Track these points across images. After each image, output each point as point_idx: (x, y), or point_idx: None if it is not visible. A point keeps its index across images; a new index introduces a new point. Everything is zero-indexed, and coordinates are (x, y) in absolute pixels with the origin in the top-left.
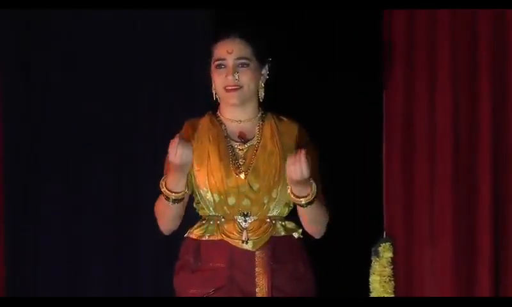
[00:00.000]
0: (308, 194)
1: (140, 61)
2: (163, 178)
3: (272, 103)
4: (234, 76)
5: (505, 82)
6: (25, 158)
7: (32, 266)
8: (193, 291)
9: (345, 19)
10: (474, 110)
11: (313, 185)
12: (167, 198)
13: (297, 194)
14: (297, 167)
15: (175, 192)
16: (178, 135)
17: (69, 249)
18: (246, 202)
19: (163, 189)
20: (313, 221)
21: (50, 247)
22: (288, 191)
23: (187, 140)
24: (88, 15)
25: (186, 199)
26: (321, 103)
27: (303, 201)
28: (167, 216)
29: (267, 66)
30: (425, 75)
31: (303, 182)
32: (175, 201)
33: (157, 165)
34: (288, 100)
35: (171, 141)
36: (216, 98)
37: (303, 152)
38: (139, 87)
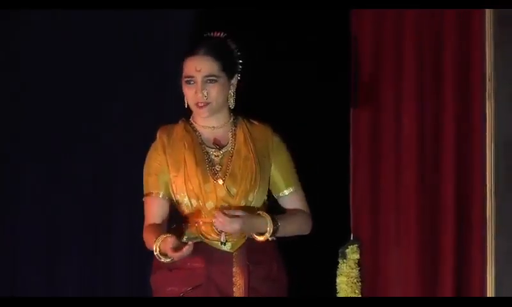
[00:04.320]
0: (266, 231)
1: (119, 54)
2: (157, 241)
3: (240, 107)
4: (203, 93)
5: (469, 89)
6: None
7: (9, 264)
8: (171, 289)
9: (312, 20)
10: (439, 115)
11: (267, 218)
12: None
13: (256, 235)
14: (224, 226)
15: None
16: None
17: (45, 245)
18: (223, 206)
19: (156, 253)
20: (288, 235)
21: (27, 243)
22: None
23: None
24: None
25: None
26: (288, 108)
27: (263, 238)
28: None
29: (237, 75)
30: (392, 82)
31: (247, 228)
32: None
33: (136, 164)
34: (254, 104)
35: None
36: (188, 106)
37: (217, 215)
38: (119, 79)
